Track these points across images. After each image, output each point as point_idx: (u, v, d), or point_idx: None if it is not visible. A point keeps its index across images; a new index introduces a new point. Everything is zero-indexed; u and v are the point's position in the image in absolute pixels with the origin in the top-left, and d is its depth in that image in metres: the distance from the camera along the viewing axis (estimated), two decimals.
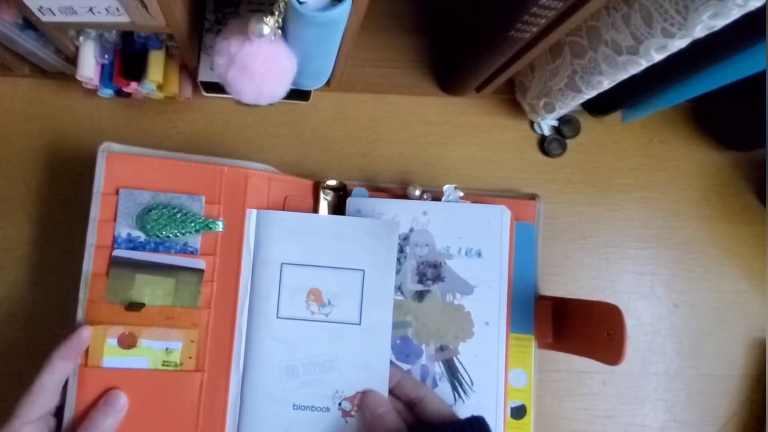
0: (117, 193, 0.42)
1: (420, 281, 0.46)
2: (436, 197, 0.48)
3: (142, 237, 0.42)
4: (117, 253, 0.41)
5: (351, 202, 0.47)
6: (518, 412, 0.46)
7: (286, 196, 0.47)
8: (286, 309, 0.44)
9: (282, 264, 0.44)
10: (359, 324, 0.44)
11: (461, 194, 0.48)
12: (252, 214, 0.44)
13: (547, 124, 0.53)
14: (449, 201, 0.47)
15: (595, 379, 0.51)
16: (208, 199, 0.43)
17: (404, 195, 0.48)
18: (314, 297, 0.44)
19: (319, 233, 0.45)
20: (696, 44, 0.34)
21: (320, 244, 0.45)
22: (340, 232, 0.45)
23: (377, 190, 0.49)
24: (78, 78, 0.44)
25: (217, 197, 0.43)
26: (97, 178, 0.42)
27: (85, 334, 0.40)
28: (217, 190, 0.44)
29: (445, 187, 0.48)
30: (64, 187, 0.50)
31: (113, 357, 0.40)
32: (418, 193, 0.48)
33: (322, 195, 0.48)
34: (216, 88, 0.44)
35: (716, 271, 0.53)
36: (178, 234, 0.42)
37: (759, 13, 0.31)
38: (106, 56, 0.44)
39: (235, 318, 0.43)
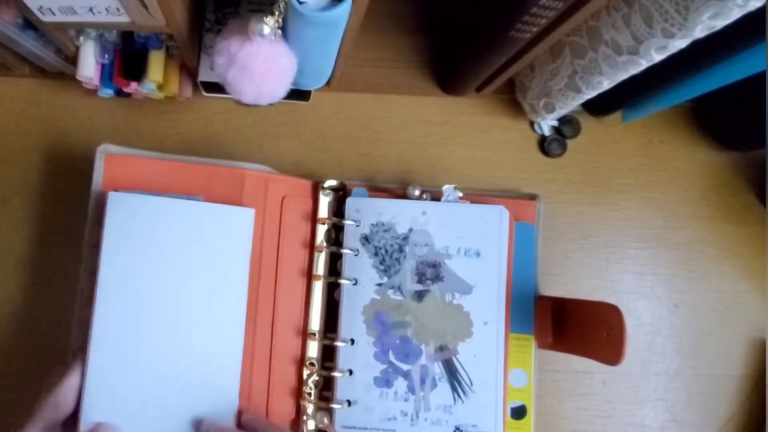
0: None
1: (419, 281, 0.46)
2: (436, 197, 0.48)
3: None
4: None
5: (350, 202, 0.47)
6: (518, 413, 0.46)
7: (284, 196, 0.47)
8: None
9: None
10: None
11: (460, 194, 0.48)
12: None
13: (547, 124, 0.53)
14: (448, 201, 0.47)
15: (595, 379, 0.51)
16: (206, 200, 0.44)
17: (404, 195, 0.48)
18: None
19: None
20: (696, 44, 0.34)
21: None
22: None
23: (377, 190, 0.49)
24: (78, 78, 0.44)
25: (214, 198, 0.44)
26: (95, 179, 0.42)
27: None
28: (214, 191, 0.44)
29: (445, 188, 0.48)
30: (64, 187, 0.50)
31: None
32: (417, 193, 0.48)
33: (321, 195, 0.48)
34: (216, 88, 0.44)
35: (716, 271, 0.53)
36: None
37: (759, 13, 0.31)
38: (106, 56, 0.44)
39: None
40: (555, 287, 0.52)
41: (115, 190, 0.42)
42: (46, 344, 0.48)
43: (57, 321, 0.48)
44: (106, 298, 0.40)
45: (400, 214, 0.47)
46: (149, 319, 0.41)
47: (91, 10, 0.36)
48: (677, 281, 0.53)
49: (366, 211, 0.47)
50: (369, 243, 0.47)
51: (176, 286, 0.41)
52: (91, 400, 0.39)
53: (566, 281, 0.52)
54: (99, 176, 0.43)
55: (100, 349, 0.40)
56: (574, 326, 0.46)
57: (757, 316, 0.53)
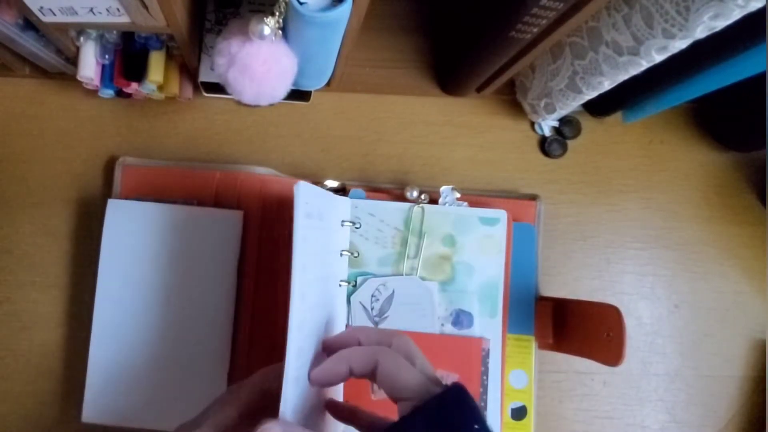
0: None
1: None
2: (434, 198, 0.48)
3: None
4: None
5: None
6: (518, 413, 0.46)
7: (282, 197, 0.47)
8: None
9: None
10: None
11: (458, 195, 0.48)
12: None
13: (547, 124, 0.53)
14: (446, 202, 0.47)
15: (596, 380, 0.51)
16: (204, 204, 0.46)
17: (402, 196, 0.48)
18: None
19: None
20: (697, 45, 0.34)
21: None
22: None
23: (377, 190, 0.49)
24: (78, 78, 0.44)
25: (210, 201, 0.46)
26: (114, 188, 0.47)
27: None
28: (210, 195, 0.46)
29: (442, 189, 0.48)
30: (64, 188, 0.50)
31: None
32: (415, 194, 0.48)
33: None
34: (217, 88, 0.44)
35: (717, 271, 0.53)
36: None
37: (759, 13, 0.31)
38: (107, 56, 0.44)
39: None
40: (555, 288, 0.52)
41: (127, 198, 0.46)
42: (46, 344, 0.48)
43: (57, 321, 0.48)
44: (105, 293, 0.45)
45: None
46: (142, 311, 0.44)
47: (91, 10, 0.36)
48: (678, 282, 0.53)
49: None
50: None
51: (167, 285, 0.45)
52: (92, 377, 0.44)
53: (566, 282, 0.52)
54: (118, 186, 0.47)
55: (99, 340, 0.45)
56: (575, 327, 0.46)
57: (758, 316, 0.53)
